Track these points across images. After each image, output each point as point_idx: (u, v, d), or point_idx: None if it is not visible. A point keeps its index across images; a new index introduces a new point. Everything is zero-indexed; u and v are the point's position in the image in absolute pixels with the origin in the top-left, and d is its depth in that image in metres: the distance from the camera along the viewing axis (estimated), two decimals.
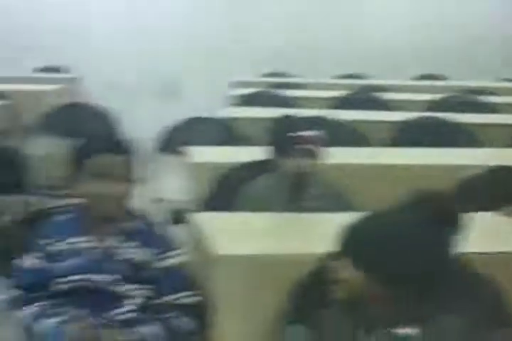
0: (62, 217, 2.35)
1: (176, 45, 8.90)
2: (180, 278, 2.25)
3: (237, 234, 2.30)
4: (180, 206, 3.54)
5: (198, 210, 2.88)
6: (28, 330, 2.22)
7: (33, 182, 3.50)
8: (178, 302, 2.22)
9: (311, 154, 2.80)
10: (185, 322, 2.21)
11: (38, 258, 2.27)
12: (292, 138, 2.82)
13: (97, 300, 2.20)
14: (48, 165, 5.88)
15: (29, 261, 2.27)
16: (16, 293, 2.27)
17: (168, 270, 2.25)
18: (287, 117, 3.02)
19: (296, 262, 2.04)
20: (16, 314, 2.25)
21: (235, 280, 2.05)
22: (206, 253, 2.18)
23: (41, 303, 2.23)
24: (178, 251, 2.29)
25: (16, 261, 2.29)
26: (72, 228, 2.30)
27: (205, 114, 4.83)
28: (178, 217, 3.28)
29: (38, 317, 2.21)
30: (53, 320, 2.19)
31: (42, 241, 2.28)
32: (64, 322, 2.17)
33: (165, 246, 2.28)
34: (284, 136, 2.86)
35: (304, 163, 2.78)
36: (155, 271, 2.25)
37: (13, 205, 4.75)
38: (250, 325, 2.08)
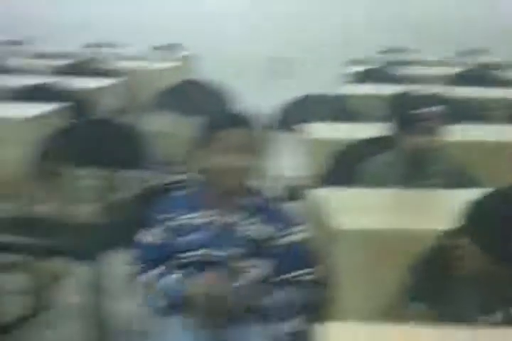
0: (181, 193, 2.36)
1: (290, 23, 8.89)
2: (302, 255, 2.23)
3: (357, 210, 2.29)
4: (297, 182, 3.55)
5: (316, 186, 2.88)
6: (150, 289, 2.24)
7: (149, 158, 3.56)
8: (298, 279, 2.21)
9: (432, 131, 2.76)
10: (304, 298, 2.21)
11: (158, 233, 2.29)
12: (413, 114, 2.79)
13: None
14: (165, 142, 5.99)
15: (149, 237, 2.29)
16: (136, 267, 2.30)
17: (290, 246, 2.23)
18: (407, 94, 2.98)
19: (417, 237, 2.02)
20: (139, 279, 2.27)
21: (356, 255, 2.04)
22: (326, 229, 2.17)
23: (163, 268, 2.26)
24: (300, 228, 2.27)
25: (137, 236, 2.31)
26: (192, 203, 2.31)
27: (320, 92, 4.81)
28: (294, 194, 3.28)
29: (161, 276, 2.24)
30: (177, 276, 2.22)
31: (162, 217, 2.30)
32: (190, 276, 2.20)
33: (286, 222, 2.26)
34: (404, 112, 2.83)
35: (425, 139, 2.74)
36: (276, 248, 2.23)
37: (129, 181, 4.86)
38: (371, 300, 2.06)
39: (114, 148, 3.67)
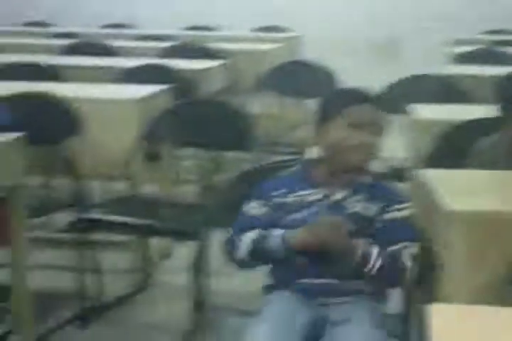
0: (289, 171, 2.38)
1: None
2: (405, 231, 2.23)
3: (466, 191, 2.25)
4: (403, 163, 3.51)
5: (422, 168, 2.84)
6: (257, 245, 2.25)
7: (253, 139, 3.57)
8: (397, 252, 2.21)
9: None
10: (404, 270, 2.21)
11: (264, 208, 2.30)
12: None
13: (321, 252, 2.20)
14: (268, 123, 6.01)
15: (257, 210, 2.31)
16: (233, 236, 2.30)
17: (393, 222, 2.24)
18: None
19: None
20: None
21: (464, 237, 2.01)
22: (435, 210, 2.14)
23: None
24: (405, 205, 2.27)
25: (244, 207, 2.33)
26: (300, 181, 2.32)
27: (424, 72, 4.74)
28: (400, 175, 3.25)
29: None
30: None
31: (270, 193, 2.31)
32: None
33: (391, 200, 2.27)
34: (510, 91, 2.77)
35: None
36: (380, 224, 2.24)
37: (233, 162, 4.89)
38: (476, 282, 2.03)
39: (218, 128, 3.70)
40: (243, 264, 2.29)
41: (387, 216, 2.25)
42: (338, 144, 2.26)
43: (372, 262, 2.15)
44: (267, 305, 2.22)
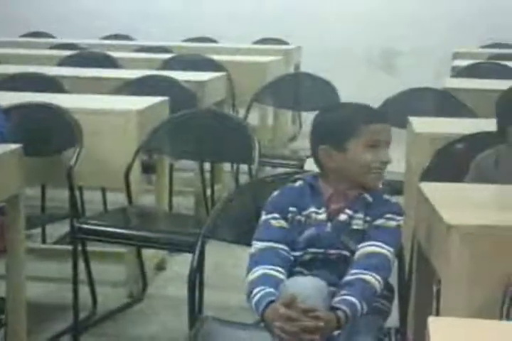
0: (297, 185, 2.33)
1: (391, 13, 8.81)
2: (386, 237, 2.20)
3: (466, 205, 2.24)
4: (402, 177, 3.50)
5: (421, 181, 2.83)
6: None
7: (253, 151, 3.56)
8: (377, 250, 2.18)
9: None
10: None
11: (284, 221, 2.27)
12: None
13: (331, 272, 2.20)
14: (267, 135, 6.01)
15: (277, 221, 2.27)
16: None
17: (379, 227, 2.22)
18: None
19: None
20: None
21: (464, 251, 1.99)
22: (435, 224, 2.13)
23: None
24: (396, 216, 2.25)
25: (265, 217, 2.29)
26: (309, 198, 2.28)
27: (423, 85, 4.74)
28: (397, 188, 3.24)
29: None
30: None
31: (287, 208, 2.27)
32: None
33: (386, 211, 2.25)
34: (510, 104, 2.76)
35: None
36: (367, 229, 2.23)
37: (233, 173, 4.88)
38: (476, 296, 2.02)
39: (218, 140, 3.69)
40: None
41: (375, 223, 2.23)
42: (359, 166, 2.23)
43: (359, 312, 2.09)
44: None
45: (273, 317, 2.01)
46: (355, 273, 2.14)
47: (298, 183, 2.32)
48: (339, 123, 2.27)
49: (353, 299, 2.07)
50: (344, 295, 2.08)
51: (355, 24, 8.84)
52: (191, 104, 4.50)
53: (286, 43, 8.09)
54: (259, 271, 2.17)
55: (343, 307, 2.05)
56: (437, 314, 2.11)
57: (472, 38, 8.16)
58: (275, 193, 2.32)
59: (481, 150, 2.83)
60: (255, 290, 2.12)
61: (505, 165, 2.74)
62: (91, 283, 3.60)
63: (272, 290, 2.10)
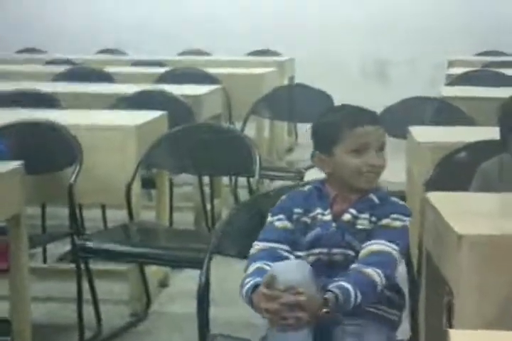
0: (306, 189, 2.33)
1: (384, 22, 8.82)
2: (393, 235, 2.19)
3: (475, 214, 2.22)
4: (401, 187, 3.48)
5: (424, 190, 2.81)
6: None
7: (252, 163, 3.54)
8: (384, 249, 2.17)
9: None
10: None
11: (289, 222, 2.27)
12: None
13: (333, 272, 2.18)
14: (264, 147, 5.99)
15: (281, 222, 2.27)
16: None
17: (384, 227, 2.21)
18: None
19: None
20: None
21: (475, 261, 1.98)
22: (444, 234, 2.11)
23: None
24: (403, 217, 2.23)
25: (270, 218, 2.30)
26: (315, 200, 2.29)
27: (419, 94, 4.73)
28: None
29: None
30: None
31: (293, 209, 2.28)
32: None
33: (391, 210, 2.24)
34: None
35: None
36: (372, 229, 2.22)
37: (233, 187, 4.86)
38: (487, 307, 2.00)
39: (218, 154, 3.67)
40: None
41: (381, 222, 2.22)
42: (348, 170, 2.23)
43: (353, 297, 2.07)
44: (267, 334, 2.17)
45: (257, 299, 2.03)
46: (355, 268, 2.14)
47: (306, 187, 2.34)
48: (326, 129, 2.29)
49: (346, 284, 2.07)
50: (338, 281, 2.09)
51: (349, 34, 8.85)
52: (188, 118, 4.48)
53: (279, 55, 8.10)
54: (254, 266, 2.19)
55: (334, 290, 2.04)
56: (450, 325, 2.09)
57: (466, 46, 8.17)
58: (283, 197, 2.34)
59: (484, 159, 2.82)
60: (246, 281, 2.14)
61: (509, 173, 2.73)
62: (95, 302, 3.56)
63: (261, 279, 2.10)
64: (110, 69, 6.23)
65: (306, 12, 9.09)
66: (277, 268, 2.09)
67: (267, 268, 2.15)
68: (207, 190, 4.82)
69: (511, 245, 1.99)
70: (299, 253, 2.24)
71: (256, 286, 2.08)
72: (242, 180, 4.56)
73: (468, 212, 2.25)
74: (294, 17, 9.03)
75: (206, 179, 4.84)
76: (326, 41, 8.85)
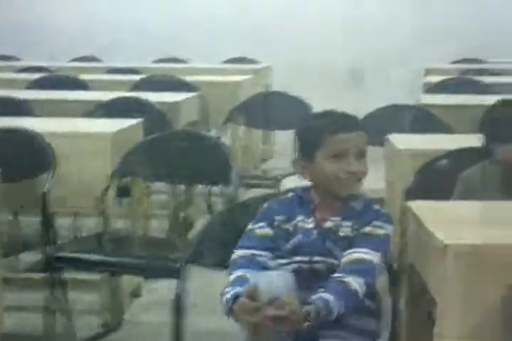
0: (288, 196, 2.30)
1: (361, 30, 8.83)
2: (374, 243, 2.16)
3: (458, 223, 2.18)
4: (381, 194, 3.45)
5: (405, 199, 2.78)
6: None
7: (229, 171, 3.50)
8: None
9: None
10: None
11: (270, 229, 2.24)
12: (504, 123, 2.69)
13: (315, 281, 2.14)
14: (241, 155, 5.94)
15: (263, 230, 2.24)
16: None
17: (366, 235, 2.18)
18: (497, 103, 2.87)
19: None
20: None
21: (459, 271, 1.94)
22: (427, 244, 2.08)
23: None
24: (385, 224, 2.20)
25: (251, 226, 2.26)
26: (297, 207, 2.26)
27: (399, 102, 4.71)
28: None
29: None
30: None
31: (274, 216, 2.25)
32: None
33: (373, 217, 2.21)
34: (497, 122, 2.73)
35: None
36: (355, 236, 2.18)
37: (211, 195, 4.81)
38: (471, 317, 1.96)
39: (195, 161, 3.62)
40: None
41: (364, 230, 2.19)
42: (326, 177, 2.20)
43: (336, 308, 2.03)
44: None
45: (238, 311, 1.99)
46: (335, 277, 2.11)
47: (290, 194, 2.31)
48: (307, 135, 2.27)
49: (328, 296, 2.03)
50: (319, 292, 2.05)
51: (325, 42, 8.84)
52: (164, 125, 4.43)
53: (256, 62, 8.07)
54: (235, 274, 2.15)
55: (316, 302, 2.01)
56: (431, 335, 2.05)
57: (443, 54, 8.18)
58: (265, 205, 2.30)
59: (465, 167, 2.81)
60: (226, 290, 2.10)
61: (490, 181, 2.71)
62: (67, 312, 3.49)
63: (242, 289, 2.05)
64: (85, 76, 6.17)
65: (284, 21, 9.07)
66: (259, 278, 2.04)
67: (248, 276, 2.11)
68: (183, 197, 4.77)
69: (496, 254, 1.96)
70: (281, 261, 2.20)
71: (237, 296, 2.03)
72: (216, 188, 4.51)
73: (451, 221, 2.22)
74: (271, 26, 9.01)
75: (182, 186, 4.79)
76: (303, 49, 8.83)
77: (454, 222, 2.21)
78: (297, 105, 5.26)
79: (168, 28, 9.13)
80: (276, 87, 6.99)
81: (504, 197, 2.60)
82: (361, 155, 2.22)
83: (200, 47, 8.60)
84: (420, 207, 2.30)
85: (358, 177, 2.21)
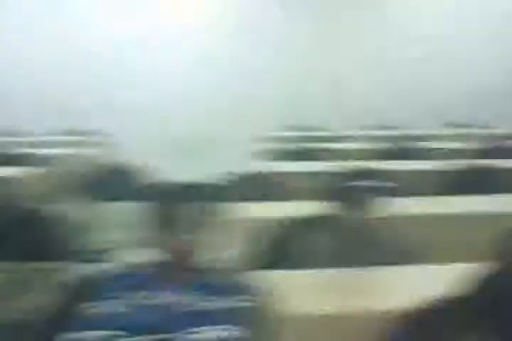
0: (145, 271, 2.29)
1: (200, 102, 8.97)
2: (236, 318, 2.17)
3: (300, 292, 2.23)
4: (227, 265, 3.47)
5: (247, 269, 2.82)
6: None
7: (69, 247, 3.45)
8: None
9: (367, 204, 2.75)
10: None
11: (122, 305, 2.20)
12: (349, 188, 2.78)
13: None
14: (84, 230, 5.84)
15: (110, 307, 2.20)
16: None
17: (226, 309, 2.19)
18: (342, 169, 2.97)
19: (364, 319, 1.98)
20: None
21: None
22: (270, 312, 2.11)
23: None
24: (244, 297, 2.23)
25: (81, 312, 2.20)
26: (149, 282, 2.25)
27: (237, 170, 4.78)
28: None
29: None
30: None
31: (125, 291, 2.22)
32: None
33: (232, 291, 2.24)
34: (340, 187, 2.82)
35: (360, 214, 2.73)
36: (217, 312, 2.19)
37: (47, 273, 4.68)
38: None
39: (29, 238, 3.53)
40: None
41: (221, 304, 2.20)
42: (165, 246, 2.24)
43: None
44: None
45: None
46: None
47: (147, 269, 2.29)
48: (154, 209, 2.30)
49: None
50: None
51: (155, 113, 8.96)
52: (7, 201, 4.32)
53: (100, 134, 8.05)
54: None
55: None
56: None
57: (274, 122, 8.41)
58: (108, 280, 2.27)
59: (308, 234, 2.86)
60: None
61: (332, 247, 2.77)
62: None
63: None
64: None
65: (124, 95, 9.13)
66: None
67: None
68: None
69: (338, 322, 2.01)
70: (139, 338, 2.16)
71: None
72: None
73: (294, 290, 2.26)
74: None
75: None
76: (146, 116, 8.89)
77: (296, 290, 2.25)
78: (138, 176, 5.26)
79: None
80: (122, 158, 6.98)
81: (343, 262, 2.66)
82: (195, 225, 2.26)
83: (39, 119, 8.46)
84: (258, 277, 2.33)
85: (185, 248, 2.24)
